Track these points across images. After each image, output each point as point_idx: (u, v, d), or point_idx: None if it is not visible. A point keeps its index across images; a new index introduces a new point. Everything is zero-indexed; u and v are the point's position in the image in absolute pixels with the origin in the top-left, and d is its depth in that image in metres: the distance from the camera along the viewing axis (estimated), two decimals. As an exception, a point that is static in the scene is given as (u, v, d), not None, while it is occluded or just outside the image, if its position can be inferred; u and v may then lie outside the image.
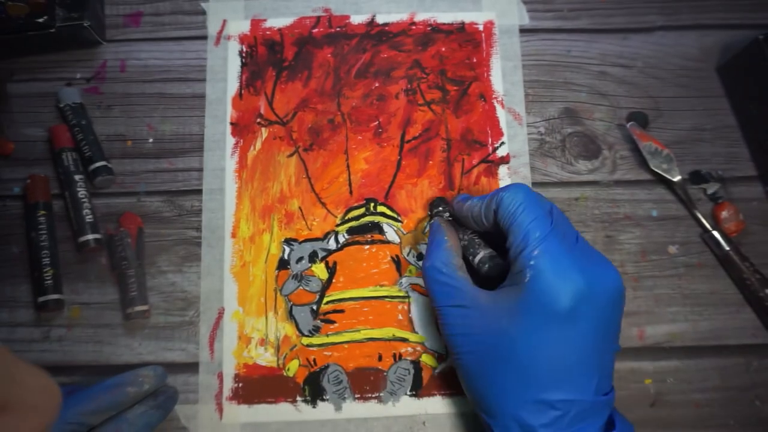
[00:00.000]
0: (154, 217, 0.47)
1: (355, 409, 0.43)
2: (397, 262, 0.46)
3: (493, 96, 0.50)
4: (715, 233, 0.46)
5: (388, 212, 0.47)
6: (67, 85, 0.50)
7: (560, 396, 0.33)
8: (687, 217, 0.47)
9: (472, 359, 0.36)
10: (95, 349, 0.44)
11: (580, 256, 0.35)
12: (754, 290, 0.44)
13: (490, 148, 0.48)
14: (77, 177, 0.46)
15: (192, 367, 0.44)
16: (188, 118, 0.49)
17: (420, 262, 0.46)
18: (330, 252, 0.46)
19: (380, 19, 0.51)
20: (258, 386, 0.43)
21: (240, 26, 0.51)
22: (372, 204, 0.47)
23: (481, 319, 0.36)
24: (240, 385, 0.43)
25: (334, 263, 0.46)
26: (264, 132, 0.49)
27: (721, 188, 0.48)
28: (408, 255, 0.46)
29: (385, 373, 0.44)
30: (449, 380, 0.43)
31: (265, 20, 0.51)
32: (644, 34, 0.52)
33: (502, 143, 0.49)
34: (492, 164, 0.48)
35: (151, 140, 0.49)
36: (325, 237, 0.46)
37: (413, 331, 0.44)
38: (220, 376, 0.43)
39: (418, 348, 0.44)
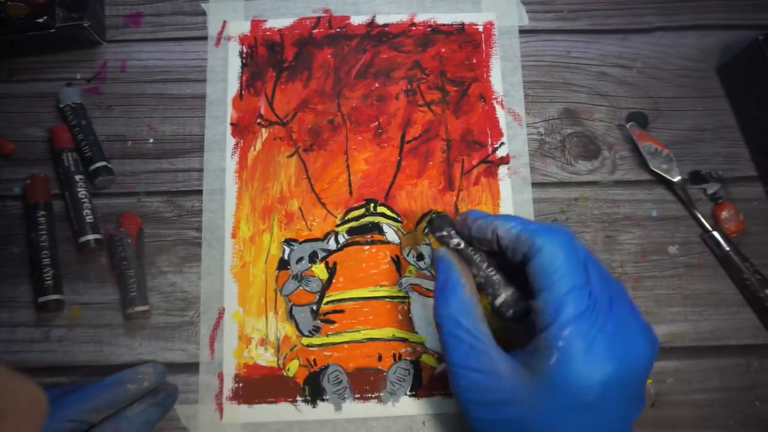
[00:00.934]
0: (155, 218, 0.47)
1: (355, 409, 0.43)
2: (397, 262, 0.46)
3: (493, 97, 0.50)
4: (715, 233, 0.46)
5: (388, 213, 0.47)
6: (67, 85, 0.50)
7: None
8: (687, 218, 0.47)
9: (486, 427, 0.34)
10: (95, 350, 0.44)
11: (614, 334, 0.32)
12: (754, 290, 0.44)
13: (490, 149, 0.48)
14: (77, 177, 0.46)
15: (192, 367, 0.44)
16: (188, 118, 0.49)
17: (420, 263, 0.46)
18: (330, 252, 0.46)
19: (380, 20, 0.51)
20: (258, 386, 0.43)
21: (240, 27, 0.51)
22: (372, 204, 0.47)
23: (498, 391, 0.33)
24: (240, 385, 0.43)
25: (334, 263, 0.46)
26: (264, 132, 0.49)
27: (721, 188, 0.48)
28: (408, 255, 0.46)
29: (384, 373, 0.44)
30: (449, 380, 0.43)
31: (265, 21, 0.51)
32: (644, 34, 0.52)
33: (502, 144, 0.49)
34: (492, 165, 0.48)
35: (151, 140, 0.49)
36: (325, 237, 0.46)
37: (413, 331, 0.44)
38: (221, 376, 0.43)
39: (418, 348, 0.44)
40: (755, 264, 0.45)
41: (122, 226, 0.45)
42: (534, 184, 0.48)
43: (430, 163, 0.48)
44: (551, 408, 0.31)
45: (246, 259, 0.46)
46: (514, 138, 0.49)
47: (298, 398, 0.43)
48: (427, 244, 0.46)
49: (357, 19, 0.51)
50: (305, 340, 0.44)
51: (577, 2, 0.52)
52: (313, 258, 0.46)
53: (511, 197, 0.47)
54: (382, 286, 0.45)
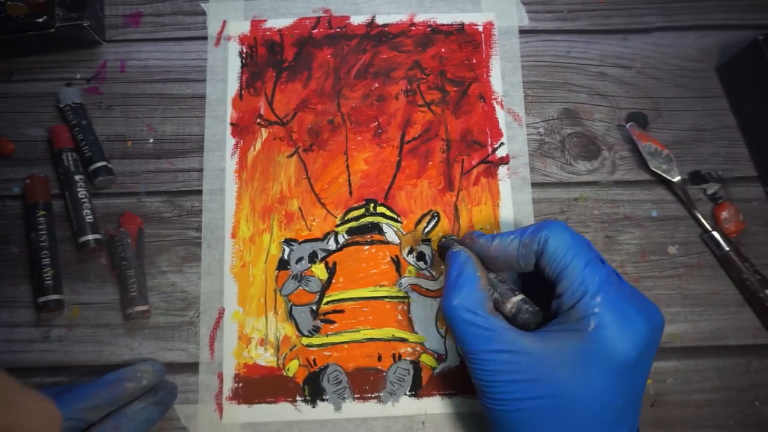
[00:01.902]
0: (155, 218, 0.47)
1: (354, 409, 0.43)
2: (396, 262, 0.46)
3: (493, 97, 0.50)
4: (715, 233, 0.46)
5: (388, 213, 0.47)
6: (67, 85, 0.50)
7: None
8: (687, 218, 0.47)
9: (521, 407, 0.33)
10: (95, 349, 0.44)
11: (634, 298, 0.34)
12: (754, 290, 0.44)
13: (490, 149, 0.48)
14: (77, 177, 0.46)
15: (192, 367, 0.44)
16: (188, 118, 0.49)
17: (420, 263, 0.46)
18: (330, 252, 0.46)
19: (380, 20, 0.51)
20: (258, 386, 0.43)
21: (240, 27, 0.51)
22: (372, 204, 0.47)
23: (531, 367, 0.33)
24: (240, 385, 0.43)
25: (334, 263, 0.46)
26: (264, 132, 0.49)
27: (720, 188, 0.48)
28: (407, 255, 0.46)
29: (384, 373, 0.44)
30: (449, 380, 0.43)
31: (265, 21, 0.51)
32: (643, 34, 0.52)
33: (502, 144, 0.49)
34: (491, 165, 0.48)
35: (151, 140, 0.49)
36: (325, 237, 0.46)
37: (413, 331, 0.44)
38: (220, 376, 0.43)
39: (418, 348, 0.44)
40: (755, 264, 0.45)
41: (122, 226, 0.45)
42: (534, 184, 0.48)
43: (430, 163, 0.48)
44: (592, 376, 0.32)
45: (246, 259, 0.46)
46: (513, 138, 0.49)
47: (298, 398, 0.43)
48: (427, 245, 0.46)
49: (357, 19, 0.51)
50: (305, 340, 0.44)
51: (577, 2, 0.52)
52: (312, 258, 0.46)
53: (510, 197, 0.47)
54: (381, 286, 0.45)
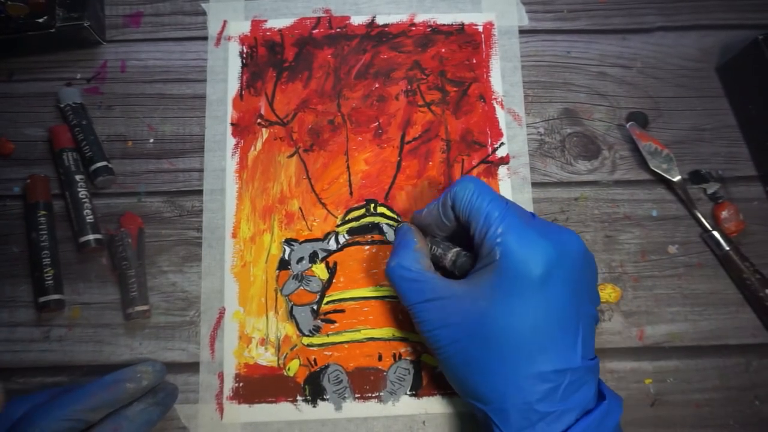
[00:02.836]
0: (155, 218, 0.47)
1: (355, 408, 0.43)
2: (397, 262, 0.46)
3: (493, 97, 0.50)
4: (715, 233, 0.46)
5: (388, 213, 0.47)
6: (67, 85, 0.50)
7: (549, 366, 0.34)
8: (687, 217, 0.47)
9: (457, 349, 0.36)
10: (96, 349, 0.44)
11: (541, 227, 0.36)
12: (754, 290, 0.44)
13: (490, 149, 0.49)
14: (78, 177, 0.46)
15: (192, 367, 0.44)
16: (189, 118, 0.49)
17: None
18: (330, 252, 0.46)
19: (380, 20, 0.51)
20: (258, 386, 0.43)
21: (240, 27, 0.51)
22: (372, 205, 0.47)
23: (458, 308, 0.36)
24: (240, 384, 0.43)
25: (335, 263, 0.46)
26: (264, 133, 0.49)
27: (721, 188, 0.48)
28: (408, 255, 0.46)
29: (385, 373, 0.44)
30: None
31: (265, 21, 0.51)
32: (643, 34, 0.52)
33: (502, 144, 0.49)
34: (492, 165, 0.48)
35: (151, 140, 0.49)
36: (326, 237, 0.46)
37: (413, 331, 0.44)
38: (221, 376, 0.43)
39: (418, 348, 0.44)
40: (755, 264, 0.45)
41: (123, 226, 0.45)
42: (534, 184, 0.48)
43: (430, 163, 0.48)
44: (506, 296, 0.35)
45: (246, 259, 0.46)
46: (513, 138, 0.49)
47: (299, 398, 0.43)
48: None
49: (357, 20, 0.51)
50: (305, 340, 0.44)
51: (577, 2, 0.52)
52: (313, 258, 0.46)
53: (511, 197, 0.47)
54: (382, 286, 0.45)
